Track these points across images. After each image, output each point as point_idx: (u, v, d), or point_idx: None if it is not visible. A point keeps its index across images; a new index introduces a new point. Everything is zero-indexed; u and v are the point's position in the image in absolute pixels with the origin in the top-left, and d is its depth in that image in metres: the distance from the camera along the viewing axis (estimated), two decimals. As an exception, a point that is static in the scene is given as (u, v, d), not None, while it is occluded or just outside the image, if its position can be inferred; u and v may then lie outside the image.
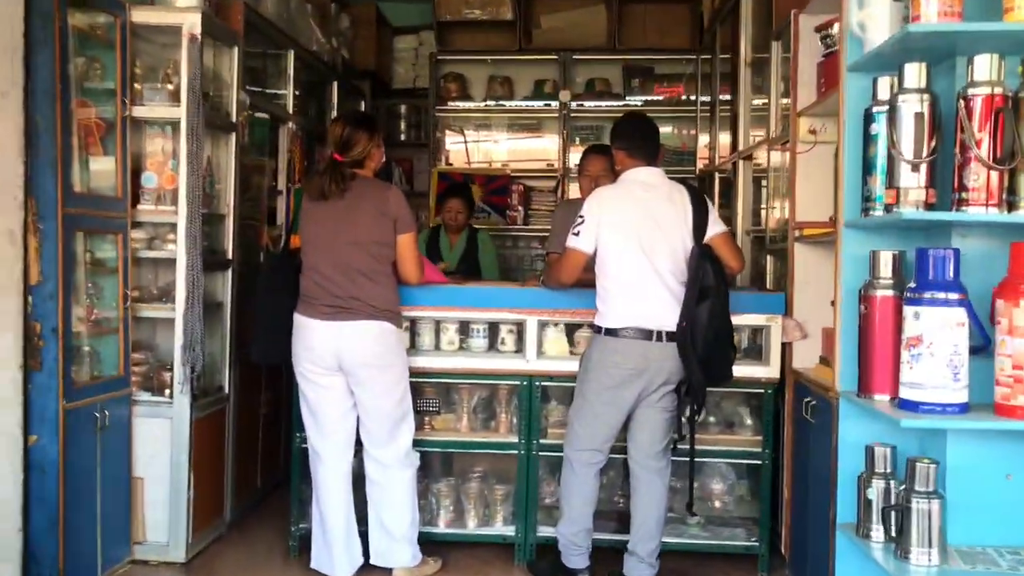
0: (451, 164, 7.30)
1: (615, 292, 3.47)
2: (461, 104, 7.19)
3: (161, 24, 3.86)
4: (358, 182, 3.60)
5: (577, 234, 3.50)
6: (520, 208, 7.10)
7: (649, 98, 6.99)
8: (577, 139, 7.11)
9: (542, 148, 7.27)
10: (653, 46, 6.93)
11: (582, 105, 6.97)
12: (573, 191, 7.00)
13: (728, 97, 5.71)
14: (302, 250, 3.66)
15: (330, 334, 3.55)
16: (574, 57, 6.95)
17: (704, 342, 3.39)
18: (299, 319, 3.62)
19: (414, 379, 3.80)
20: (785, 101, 4.19)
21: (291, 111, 5.09)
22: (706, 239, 3.50)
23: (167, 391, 3.92)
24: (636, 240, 3.44)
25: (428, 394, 4.01)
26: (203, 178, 4.11)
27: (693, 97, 6.82)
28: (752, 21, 4.97)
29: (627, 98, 6.99)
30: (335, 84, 6.08)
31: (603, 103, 7.00)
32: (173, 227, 3.88)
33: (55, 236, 3.33)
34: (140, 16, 3.80)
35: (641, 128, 3.64)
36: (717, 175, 5.89)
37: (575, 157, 6.94)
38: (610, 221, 3.46)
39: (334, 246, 3.56)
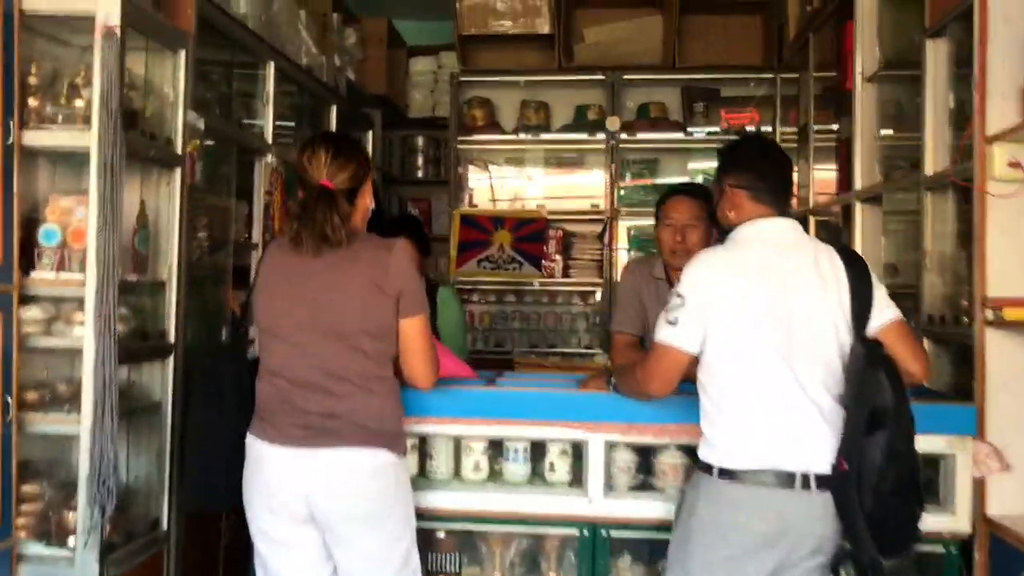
0: (475, 204, 6.11)
1: (735, 414, 2.25)
2: (487, 135, 6.01)
3: (65, 13, 2.70)
4: (351, 239, 2.42)
5: (674, 323, 2.28)
6: (558, 258, 5.89)
7: (713, 128, 5.78)
8: (628, 175, 5.92)
9: (585, 185, 6.07)
10: (719, 63, 5.75)
11: (634, 135, 5.77)
12: (622, 234, 5.83)
13: (828, 126, 4.51)
14: (259, 339, 2.47)
15: (298, 470, 2.35)
16: (624, 77, 5.76)
17: (876, 494, 2.15)
18: (253, 445, 2.42)
19: (422, 525, 2.57)
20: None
21: (270, 140, 3.92)
22: (873, 331, 2.27)
23: (70, 539, 2.71)
24: (768, 335, 2.23)
25: (444, 547, 2.77)
26: (133, 231, 2.94)
27: (769, 127, 5.61)
28: (876, 20, 3.76)
29: (689, 128, 5.79)
30: (334, 109, 4.92)
31: (659, 134, 5.80)
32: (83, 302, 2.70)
33: None
34: (35, 2, 2.66)
35: (771, 158, 2.43)
36: (813, 219, 4.66)
37: (627, 195, 5.82)
38: (726, 305, 2.25)
39: (307, 335, 2.36)
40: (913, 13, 3.37)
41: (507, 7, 5.77)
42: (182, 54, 3.08)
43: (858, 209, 3.81)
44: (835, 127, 4.42)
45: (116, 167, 2.62)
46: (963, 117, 2.83)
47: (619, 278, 3.36)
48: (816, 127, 4.73)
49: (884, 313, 2.28)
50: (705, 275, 2.30)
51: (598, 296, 5.88)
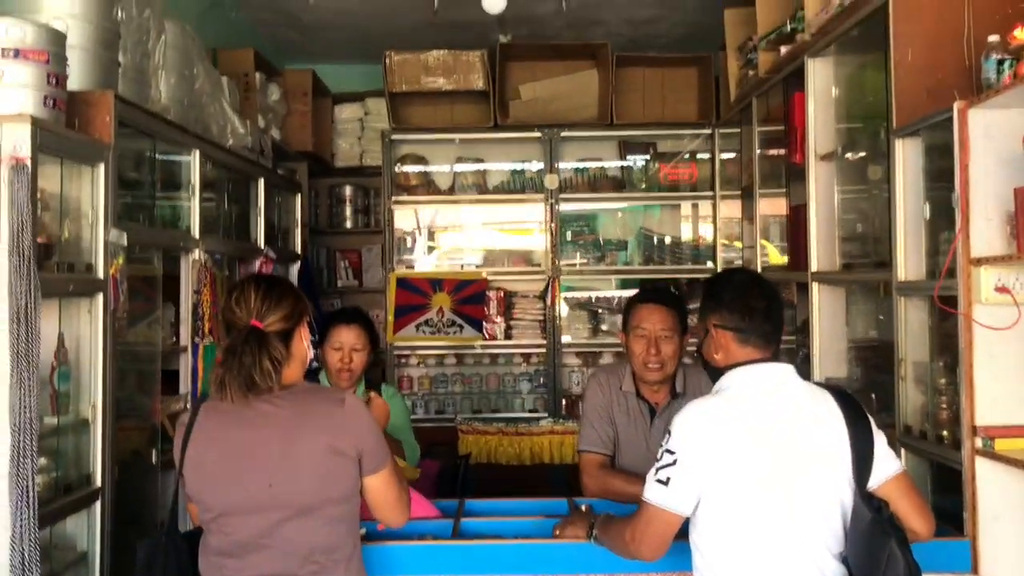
0: (411, 267, 5.87)
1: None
2: (423, 196, 5.78)
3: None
4: (288, 392, 2.16)
5: (665, 482, 2.10)
6: (499, 319, 5.71)
7: (653, 184, 5.67)
8: (569, 232, 5.76)
9: (525, 245, 5.89)
10: (656, 118, 5.64)
11: (572, 195, 5.64)
12: (566, 294, 5.67)
13: (776, 190, 4.42)
14: (201, 516, 2.19)
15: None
16: (562, 135, 5.61)
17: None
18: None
19: None
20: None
21: (196, 235, 3.62)
22: (874, 486, 2.13)
23: None
24: (767, 496, 2.07)
25: None
26: (51, 369, 2.64)
27: (708, 184, 5.54)
28: (832, 103, 3.67)
29: (627, 187, 5.68)
30: (261, 182, 4.63)
31: (600, 193, 5.67)
32: None
33: None
34: (-72, 132, 2.34)
35: (757, 296, 2.26)
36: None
37: (566, 252, 5.66)
38: (722, 464, 2.08)
39: (264, 515, 2.10)
40: (871, 97, 3.29)
41: (439, 63, 5.56)
42: (101, 168, 2.78)
43: (815, 289, 3.71)
44: (783, 191, 4.32)
45: (29, 313, 2.32)
46: (938, 221, 2.74)
47: (586, 390, 3.14)
48: (761, 191, 4.64)
49: (886, 466, 2.14)
50: (698, 430, 2.13)
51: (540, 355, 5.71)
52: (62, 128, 2.59)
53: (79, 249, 2.76)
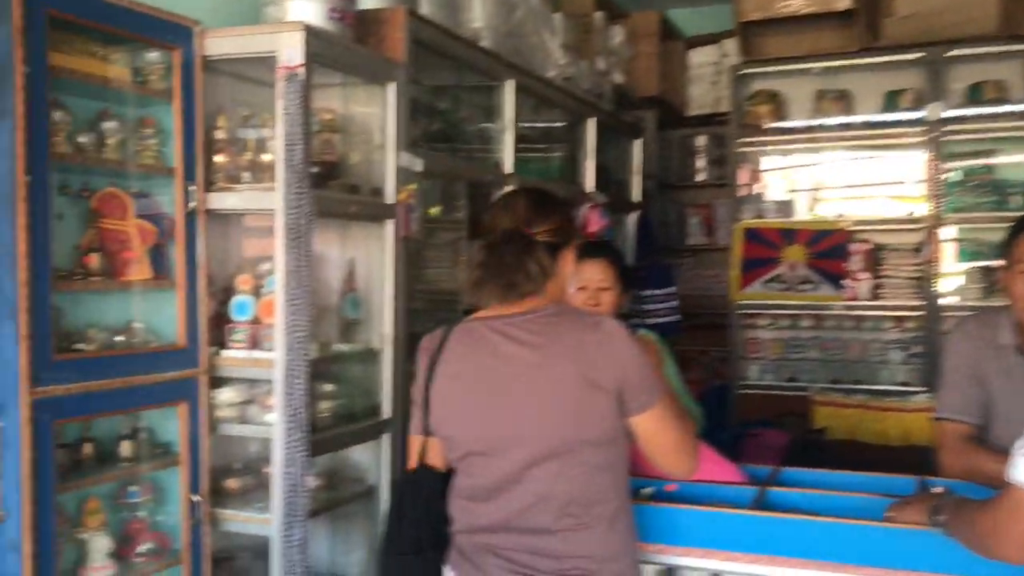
0: (761, 215, 5.28)
1: None
2: (775, 137, 5.15)
3: (252, 54, 2.35)
4: (542, 315, 1.82)
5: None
6: (864, 276, 4.93)
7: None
8: (956, 172, 4.80)
9: (898, 189, 5.03)
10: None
11: (962, 122, 4.67)
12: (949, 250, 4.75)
13: None
14: (447, 452, 1.93)
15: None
16: (947, 55, 4.67)
17: None
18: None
19: None
20: None
21: (509, 170, 3.43)
22: None
23: (271, 651, 2.39)
24: None
25: None
26: (341, 296, 2.58)
27: None
28: None
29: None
30: (591, 122, 4.35)
31: (999, 124, 4.64)
32: (279, 384, 2.35)
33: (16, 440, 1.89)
34: (218, 46, 2.34)
35: None
36: None
37: (952, 196, 4.73)
38: None
39: (511, 456, 1.79)
40: None
41: (796, -17, 4.89)
42: (391, 88, 2.65)
43: None
44: None
45: (302, 232, 2.23)
46: None
47: (947, 343, 2.45)
48: None
49: None
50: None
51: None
52: (347, 41, 2.49)
53: (368, 172, 2.66)
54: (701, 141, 6.19)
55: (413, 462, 1.89)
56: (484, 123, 3.45)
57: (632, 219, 5.06)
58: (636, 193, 5.12)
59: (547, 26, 4.09)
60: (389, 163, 2.65)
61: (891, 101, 4.90)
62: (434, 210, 3.27)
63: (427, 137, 2.99)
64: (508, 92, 3.42)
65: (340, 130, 2.58)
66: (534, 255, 1.80)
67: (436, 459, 1.88)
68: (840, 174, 5.22)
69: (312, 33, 2.28)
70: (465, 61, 3.13)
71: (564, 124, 4.24)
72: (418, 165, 2.75)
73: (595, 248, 2.75)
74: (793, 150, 5.26)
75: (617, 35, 5.33)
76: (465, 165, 3.19)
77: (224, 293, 2.45)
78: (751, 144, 5.17)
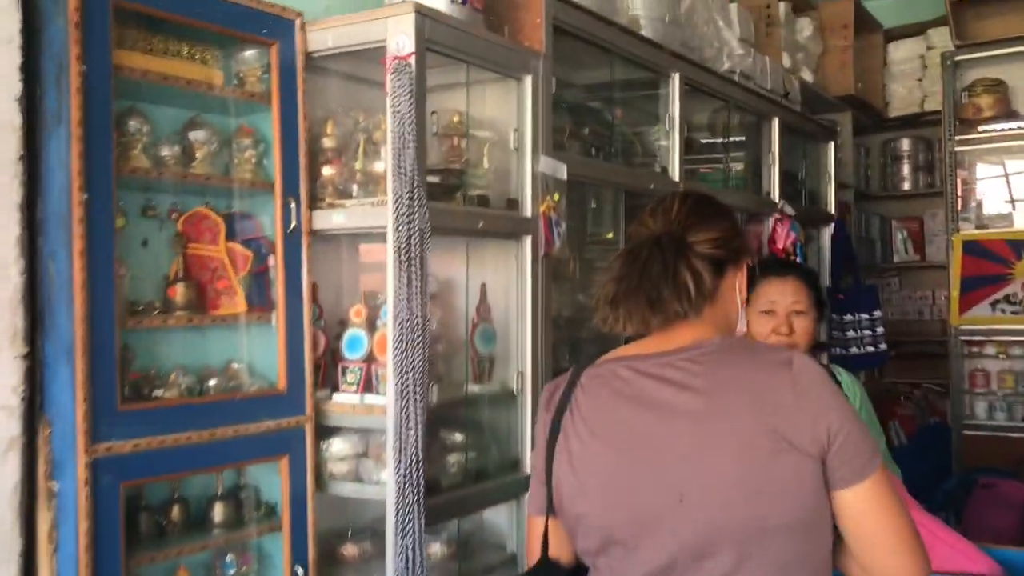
0: (984, 225, 4.49)
1: None
2: (997, 127, 4.36)
3: (360, 45, 2.00)
4: (707, 352, 1.32)
5: None
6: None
7: None
8: None
9: None
10: None
11: None
12: None
13: None
14: (577, 543, 1.45)
15: None
16: None
17: None
18: None
19: None
20: None
21: (676, 176, 2.94)
22: None
23: None
24: None
25: None
26: (472, 326, 2.18)
27: None
28: None
29: None
30: (775, 122, 3.78)
31: None
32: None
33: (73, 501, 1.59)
34: (321, 40, 2.01)
35: None
36: None
37: None
38: None
39: (662, 545, 1.30)
40: None
41: (1021, -49, 4.15)
42: (527, 82, 2.24)
43: None
44: None
45: (414, 251, 1.85)
46: None
47: None
48: None
49: None
50: None
51: None
52: (475, 27, 2.10)
53: (502, 181, 2.25)
54: (905, 145, 5.55)
55: (534, 554, 1.43)
56: (647, 126, 2.98)
57: (827, 233, 4.42)
58: (831, 204, 4.47)
59: (721, 17, 3.59)
60: (527, 170, 2.24)
61: None
62: (609, 233, 2.84)
63: (578, 141, 2.57)
64: (674, 87, 2.94)
65: (468, 133, 2.20)
66: (689, 265, 1.32)
67: (562, 549, 1.42)
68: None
69: (426, 16, 1.91)
70: (621, 51, 2.68)
71: (743, 126, 3.70)
72: (562, 171, 2.32)
73: (785, 265, 2.26)
74: (1020, 148, 4.45)
75: (805, 28, 4.76)
76: (624, 172, 2.72)
77: (340, 326, 2.11)
78: (968, 143, 4.41)
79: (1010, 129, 4.32)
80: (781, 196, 3.79)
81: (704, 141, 3.44)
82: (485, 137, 2.22)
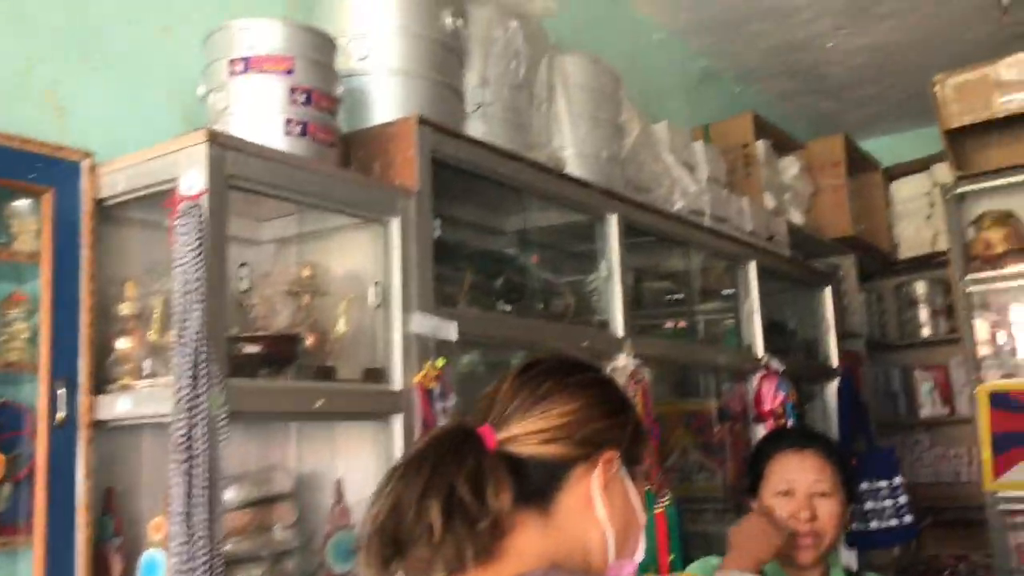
0: (1012, 375, 3.92)
1: None
2: (1014, 267, 3.87)
3: (152, 188, 1.61)
4: None
5: None
6: None
7: None
8: None
9: None
10: None
11: None
12: None
13: None
14: None
15: None
16: None
17: None
18: None
19: None
20: None
21: (620, 333, 2.47)
22: None
23: None
24: None
25: None
26: (323, 541, 1.67)
27: None
28: None
29: None
30: (751, 266, 3.32)
31: None
32: None
33: None
34: (111, 186, 1.62)
35: None
36: None
37: None
38: None
39: None
40: None
41: (1017, 72, 3.80)
42: (394, 225, 1.82)
43: None
44: None
45: (196, 447, 1.38)
46: None
47: None
48: None
49: None
50: None
51: None
52: (315, 162, 1.70)
53: (364, 347, 1.80)
54: (920, 288, 5.09)
55: None
56: (583, 274, 2.55)
57: (831, 390, 3.88)
58: (832, 357, 3.95)
59: (681, 155, 3.22)
60: (394, 332, 1.79)
61: None
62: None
63: (484, 293, 2.13)
64: (612, 228, 2.52)
65: (321, 291, 1.76)
66: (466, 477, 0.87)
67: None
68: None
69: (226, 147, 1.51)
70: (536, 190, 2.27)
71: (714, 273, 3.25)
72: (449, 331, 1.86)
73: (803, 435, 1.91)
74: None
75: (790, 168, 4.42)
76: (541, 327, 2.25)
77: (132, 545, 1.61)
78: (983, 281, 3.91)
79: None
80: (766, 350, 3.29)
81: (665, 291, 3.00)
82: (340, 294, 1.79)
